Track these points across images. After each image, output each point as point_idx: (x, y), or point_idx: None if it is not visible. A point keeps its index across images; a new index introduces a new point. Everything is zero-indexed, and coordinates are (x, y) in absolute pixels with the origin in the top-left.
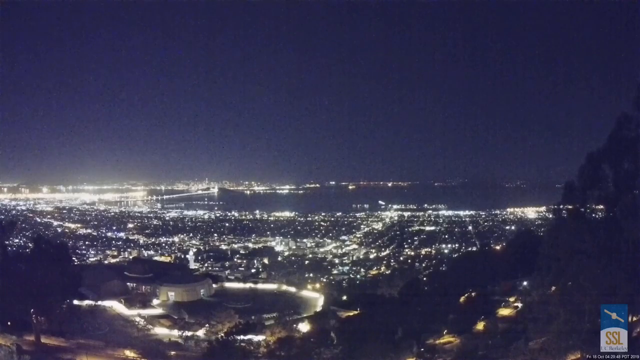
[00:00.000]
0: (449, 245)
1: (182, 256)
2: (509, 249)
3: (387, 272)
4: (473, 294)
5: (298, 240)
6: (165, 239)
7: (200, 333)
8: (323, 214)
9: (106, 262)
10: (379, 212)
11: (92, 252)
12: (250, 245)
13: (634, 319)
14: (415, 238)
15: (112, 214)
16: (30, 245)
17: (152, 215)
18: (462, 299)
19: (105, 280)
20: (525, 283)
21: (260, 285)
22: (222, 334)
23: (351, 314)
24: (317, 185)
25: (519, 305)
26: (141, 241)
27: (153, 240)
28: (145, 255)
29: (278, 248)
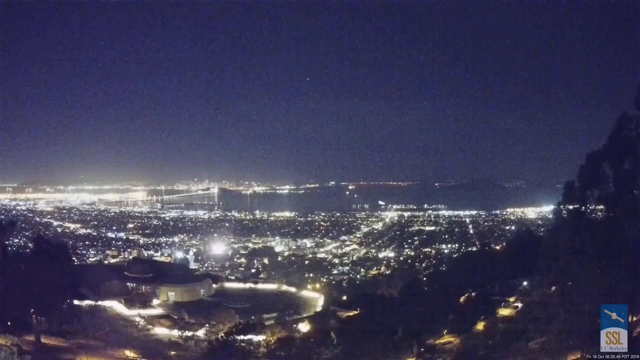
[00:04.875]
0: (449, 245)
1: (182, 256)
2: (509, 249)
3: (387, 272)
4: (473, 294)
5: (298, 240)
6: (165, 239)
7: (200, 333)
8: (323, 214)
9: (106, 262)
10: (379, 212)
11: (92, 252)
12: (250, 245)
13: (634, 319)
14: (415, 238)
15: (112, 214)
16: (30, 245)
17: (152, 215)
18: (462, 299)
19: (105, 280)
20: (525, 283)
21: (260, 285)
22: (222, 334)
23: (351, 314)
24: (317, 185)
25: (519, 305)
26: (141, 241)
27: (153, 240)
28: (145, 255)
29: (278, 248)
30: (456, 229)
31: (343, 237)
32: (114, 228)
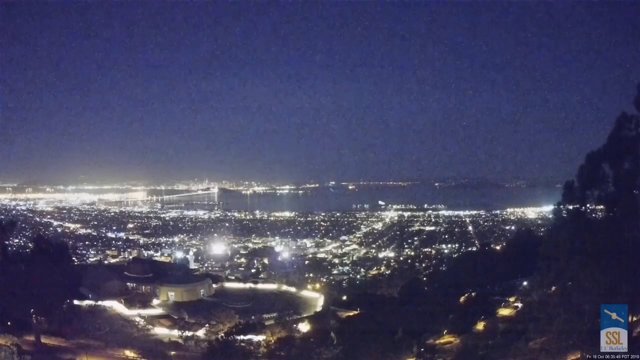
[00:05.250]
0: (449, 245)
1: (182, 256)
2: (509, 249)
3: (387, 272)
4: (473, 294)
5: (298, 240)
6: (165, 239)
7: (200, 333)
8: (323, 214)
9: (106, 262)
10: (379, 212)
11: (92, 252)
12: (250, 245)
13: (634, 319)
14: (415, 238)
15: (112, 214)
16: (30, 245)
17: (152, 215)
18: (462, 299)
19: (105, 280)
20: (525, 283)
21: (260, 285)
22: (222, 334)
23: (351, 314)
24: (317, 185)
25: (519, 305)
26: (141, 241)
27: (153, 240)
28: (145, 255)
29: (278, 248)
30: (456, 229)
31: (343, 237)
32: (114, 228)
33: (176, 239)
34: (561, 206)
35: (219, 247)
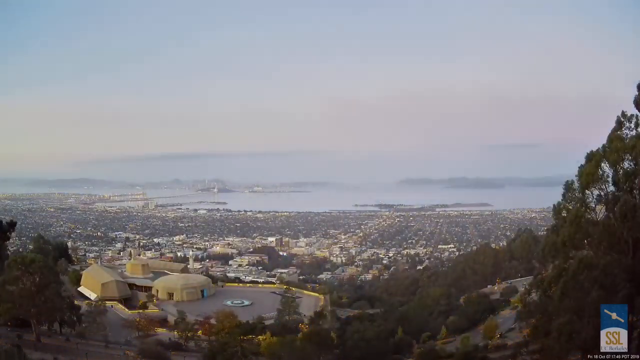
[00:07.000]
0: (449, 245)
1: (182, 256)
2: (509, 248)
3: (387, 272)
4: (473, 294)
5: (298, 239)
6: (165, 239)
7: (200, 333)
8: (323, 214)
9: (106, 262)
10: (379, 211)
11: (92, 252)
12: (251, 245)
13: (634, 319)
14: (415, 238)
15: (112, 213)
16: (30, 245)
17: (152, 215)
18: (462, 299)
19: (105, 280)
20: (525, 283)
21: (260, 285)
22: (222, 334)
23: (351, 314)
24: (317, 185)
25: (519, 305)
26: (142, 241)
27: (153, 240)
28: (146, 255)
29: (278, 247)
30: (456, 229)
31: (343, 237)
32: (114, 228)
33: (176, 239)
34: (561, 206)
35: (219, 247)
